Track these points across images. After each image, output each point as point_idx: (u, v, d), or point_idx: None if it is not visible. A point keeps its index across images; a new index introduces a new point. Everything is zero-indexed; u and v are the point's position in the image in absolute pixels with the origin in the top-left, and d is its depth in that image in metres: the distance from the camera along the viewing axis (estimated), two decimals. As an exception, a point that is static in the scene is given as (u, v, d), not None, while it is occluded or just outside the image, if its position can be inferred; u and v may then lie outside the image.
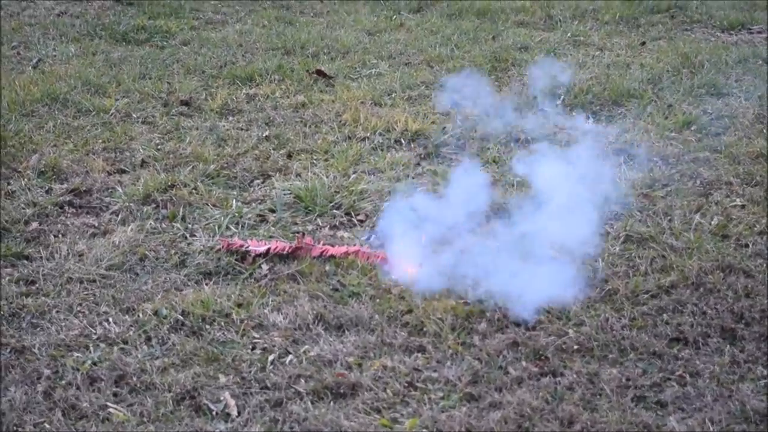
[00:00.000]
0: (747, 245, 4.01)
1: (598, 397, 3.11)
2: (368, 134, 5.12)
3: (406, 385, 3.18)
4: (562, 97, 5.62)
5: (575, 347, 3.35)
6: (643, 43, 6.88)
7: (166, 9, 7.64)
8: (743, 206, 4.35)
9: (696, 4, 7.84)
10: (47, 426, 2.96)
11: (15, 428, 2.95)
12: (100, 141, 5.00)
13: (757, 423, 2.99)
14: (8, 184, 4.52)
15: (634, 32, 7.21)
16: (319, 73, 6.07)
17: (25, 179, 4.56)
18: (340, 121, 5.32)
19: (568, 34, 7.11)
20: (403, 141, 5.06)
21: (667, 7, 7.80)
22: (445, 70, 6.25)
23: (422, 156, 4.92)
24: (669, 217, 4.23)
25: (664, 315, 3.53)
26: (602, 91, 5.75)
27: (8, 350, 3.32)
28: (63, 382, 3.16)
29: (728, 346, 3.37)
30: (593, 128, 5.23)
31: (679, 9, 7.77)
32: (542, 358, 3.31)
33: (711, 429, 2.96)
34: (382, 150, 4.95)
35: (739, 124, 5.27)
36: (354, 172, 4.66)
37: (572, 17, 7.60)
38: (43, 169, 4.66)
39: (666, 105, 5.56)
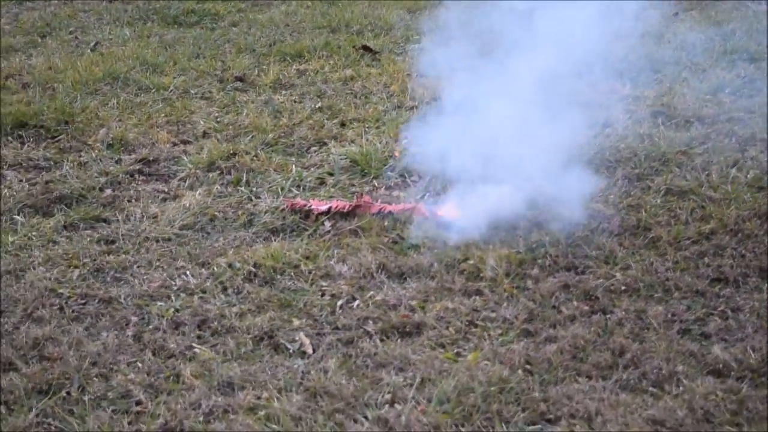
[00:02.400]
0: (782, 195, 4.24)
1: (646, 330, 3.35)
2: (416, 103, 5.37)
3: (467, 323, 3.43)
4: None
5: (623, 288, 3.59)
6: (676, 14, 7.09)
7: (213, -7, 7.93)
8: (778, 160, 4.57)
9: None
10: (139, 365, 3.23)
11: (111, 366, 3.22)
12: (162, 115, 5.28)
13: (796, 350, 3.22)
14: (79, 155, 4.81)
15: (666, 4, 7.41)
16: (365, 48, 6.33)
17: (96, 151, 4.84)
18: (389, 92, 5.58)
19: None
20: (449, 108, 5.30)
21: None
22: (484, 44, 6.46)
23: (466, 122, 5.15)
24: (707, 172, 4.45)
25: (705, 258, 3.76)
26: (638, 59, 5.96)
27: (96, 300, 3.60)
28: (150, 327, 3.44)
29: (767, 284, 3.60)
30: (631, 93, 5.45)
31: (710, -19, 7.97)
32: (592, 298, 3.55)
33: (752, 355, 3.19)
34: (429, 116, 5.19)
35: (772, 85, 5.48)
36: (405, 138, 4.91)
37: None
38: (111, 142, 4.94)
39: (701, 70, 5.77)
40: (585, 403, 2.99)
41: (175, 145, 4.93)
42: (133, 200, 4.37)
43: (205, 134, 5.05)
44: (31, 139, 4.98)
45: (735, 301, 3.51)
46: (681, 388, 3.06)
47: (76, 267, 3.81)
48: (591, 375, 3.13)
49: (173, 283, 3.71)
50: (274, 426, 2.94)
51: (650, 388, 3.07)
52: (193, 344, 3.34)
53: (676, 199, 4.23)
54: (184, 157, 4.76)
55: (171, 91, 5.65)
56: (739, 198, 4.19)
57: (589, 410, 2.96)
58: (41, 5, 7.65)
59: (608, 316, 3.44)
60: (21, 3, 7.71)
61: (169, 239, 4.02)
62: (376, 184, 4.50)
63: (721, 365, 3.15)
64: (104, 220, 4.20)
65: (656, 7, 7.14)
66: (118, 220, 4.18)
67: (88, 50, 6.43)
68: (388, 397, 3.04)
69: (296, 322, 3.46)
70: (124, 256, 3.90)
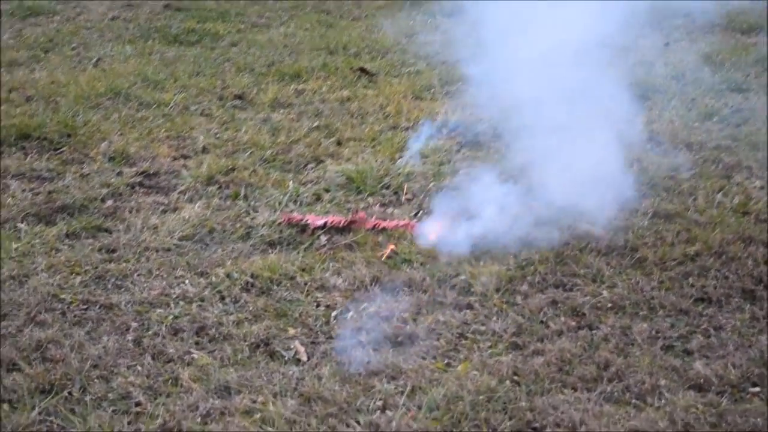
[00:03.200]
0: (766, 221, 4.35)
1: (631, 346, 3.46)
2: (411, 124, 5.50)
3: (457, 336, 3.54)
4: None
5: (609, 305, 3.71)
6: (667, 44, 7.23)
7: (213, 13, 8.06)
8: (762, 187, 4.70)
9: (716, 8, 8.18)
10: (139, 368, 3.33)
11: (111, 368, 3.32)
12: (163, 130, 5.39)
13: (774, 368, 3.34)
14: (82, 167, 4.91)
15: (657, 34, 7.55)
16: (362, 70, 6.46)
17: (97, 163, 4.95)
18: (384, 113, 5.71)
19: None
20: (444, 130, 5.43)
21: (688, 11, 8.14)
22: (480, 70, 6.60)
23: (462, 143, 5.28)
24: (693, 196, 4.58)
25: (690, 279, 3.88)
26: (629, 87, 6.09)
27: (97, 306, 3.70)
28: (150, 332, 3.54)
29: (748, 305, 3.71)
30: (621, 119, 5.57)
31: (700, 13, 8.11)
32: (579, 314, 3.66)
33: (732, 371, 3.30)
34: (425, 138, 5.32)
35: (758, 115, 5.62)
36: (400, 157, 5.03)
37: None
38: (112, 155, 5.05)
39: (689, 99, 5.91)
40: (570, 413, 3.09)
41: (175, 159, 5.04)
42: (133, 211, 4.47)
43: (204, 149, 5.16)
44: (35, 151, 5.09)
45: (717, 320, 3.62)
46: (663, 401, 3.17)
47: (78, 274, 3.91)
48: (576, 387, 3.23)
49: (172, 291, 3.81)
50: (269, 429, 3.04)
51: (633, 401, 3.18)
52: (192, 350, 3.44)
53: (663, 221, 4.35)
54: (184, 171, 4.87)
55: (171, 107, 5.76)
56: (724, 222, 4.31)
57: (574, 420, 3.07)
58: (45, 21, 7.78)
59: (594, 331, 3.55)
60: (25, 19, 7.84)
61: (169, 249, 4.13)
62: (370, 201, 4.61)
63: (702, 380, 3.26)
64: (106, 230, 4.31)
65: (647, 37, 7.30)
66: (119, 230, 4.28)
67: (91, 66, 6.55)
68: (379, 403, 3.15)
69: (291, 331, 3.56)
70: (124, 264, 4.00)
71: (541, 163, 4.95)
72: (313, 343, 3.50)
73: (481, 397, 3.16)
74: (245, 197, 4.60)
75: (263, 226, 4.32)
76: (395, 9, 8.42)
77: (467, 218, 4.27)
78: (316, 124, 5.55)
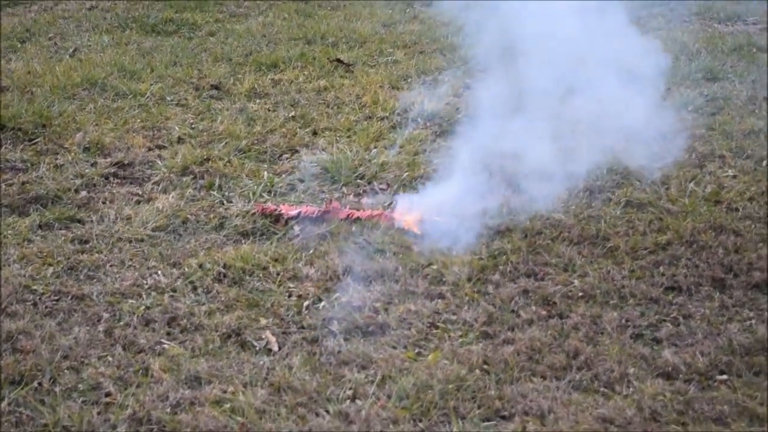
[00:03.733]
0: (737, 209, 4.38)
1: (600, 335, 3.48)
2: (387, 114, 5.50)
3: (428, 325, 3.55)
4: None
5: (580, 294, 3.73)
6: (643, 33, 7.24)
7: (192, 3, 8.04)
8: (734, 176, 4.72)
9: (695, -3, 8.22)
10: (110, 359, 3.34)
11: (81, 359, 3.32)
12: (139, 121, 5.39)
13: (742, 355, 3.35)
14: (56, 158, 4.90)
15: (634, 23, 7.56)
16: (339, 61, 6.46)
17: (72, 154, 4.94)
18: (361, 103, 5.71)
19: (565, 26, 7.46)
20: (419, 120, 5.44)
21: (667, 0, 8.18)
22: (457, 58, 6.62)
23: (438, 133, 5.29)
24: (666, 186, 4.60)
25: (661, 267, 3.90)
26: (603, 75, 6.10)
27: (69, 297, 3.70)
28: (121, 323, 3.55)
29: (718, 293, 3.73)
30: (596, 107, 5.59)
31: (678, 2, 8.13)
32: (550, 303, 3.68)
33: (701, 360, 3.32)
34: (400, 128, 5.33)
35: (733, 104, 5.64)
36: (375, 147, 5.04)
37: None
38: (87, 146, 5.04)
39: (665, 88, 5.92)
40: (538, 401, 3.12)
41: (150, 149, 5.04)
42: (107, 202, 4.47)
43: (179, 140, 5.16)
44: (9, 141, 5.07)
45: (687, 309, 3.64)
46: (631, 389, 3.19)
47: (50, 265, 3.91)
48: (545, 375, 3.25)
49: (145, 282, 3.81)
50: (238, 418, 3.05)
51: (602, 389, 3.20)
52: (163, 340, 3.45)
53: (635, 210, 4.37)
54: (159, 162, 4.87)
55: (147, 97, 5.75)
56: (695, 211, 4.33)
57: (542, 408, 3.09)
58: (22, 11, 7.75)
59: (565, 320, 3.57)
60: (2, 9, 7.81)
61: (142, 240, 4.13)
62: (345, 191, 4.61)
63: (670, 368, 3.28)
64: (79, 221, 4.30)
65: (625, 26, 7.32)
66: (92, 221, 4.28)
67: (67, 56, 6.53)
68: (349, 392, 3.17)
69: (263, 321, 3.57)
70: (97, 255, 4.00)
71: (516, 152, 4.99)
72: (284, 333, 3.51)
73: (450, 386, 3.17)
74: (219, 188, 4.61)
75: (237, 216, 4.32)
76: (374, -2, 8.43)
77: (438, 208, 4.28)
78: (292, 114, 5.55)
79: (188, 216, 4.32)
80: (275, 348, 3.43)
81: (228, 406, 3.10)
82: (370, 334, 3.50)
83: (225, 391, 3.16)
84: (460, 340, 3.46)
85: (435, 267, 3.91)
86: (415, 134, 5.22)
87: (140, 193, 4.57)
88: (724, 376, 3.26)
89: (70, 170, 4.76)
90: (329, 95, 5.87)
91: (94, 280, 3.83)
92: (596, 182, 4.62)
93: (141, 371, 3.27)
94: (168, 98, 5.78)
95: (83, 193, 4.54)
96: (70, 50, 6.67)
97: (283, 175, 4.75)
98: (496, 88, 5.70)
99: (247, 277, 3.85)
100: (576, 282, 3.80)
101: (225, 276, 3.86)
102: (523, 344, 3.40)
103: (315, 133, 5.28)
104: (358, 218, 4.28)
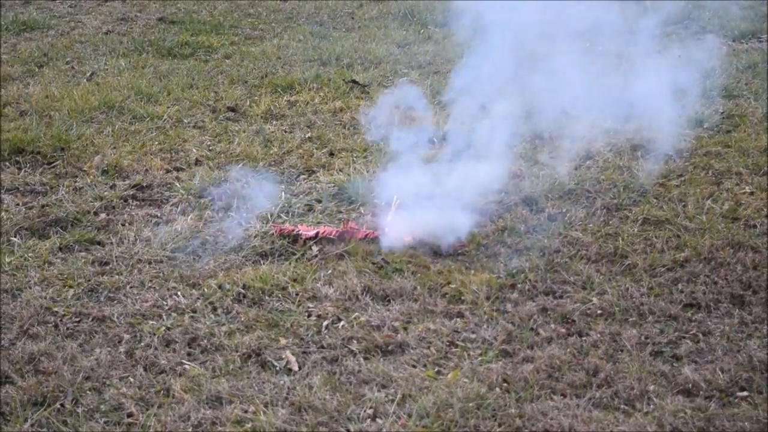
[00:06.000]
0: (755, 226, 4.38)
1: (620, 352, 3.48)
2: (403, 134, 5.51)
3: (448, 343, 3.56)
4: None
5: (599, 312, 3.73)
6: (658, 51, 7.25)
7: (207, 26, 8.09)
8: (752, 193, 4.72)
9: (708, 15, 8.21)
10: (131, 379, 3.36)
11: (103, 380, 3.34)
12: (156, 143, 5.42)
13: (762, 371, 3.35)
14: (75, 181, 4.94)
15: (650, 43, 7.57)
16: (354, 82, 6.48)
17: (91, 177, 4.97)
18: (377, 123, 5.72)
19: (587, 45, 7.47)
20: (435, 140, 5.45)
21: (681, 18, 8.17)
22: (472, 79, 6.62)
23: (454, 153, 5.30)
24: (683, 203, 4.60)
25: (679, 285, 3.91)
26: (620, 94, 6.11)
27: (90, 319, 3.72)
28: (142, 344, 3.56)
29: (737, 310, 3.74)
30: (612, 126, 5.61)
31: (692, 20, 8.14)
32: (569, 321, 3.69)
33: (721, 376, 3.32)
34: (417, 147, 5.33)
35: (748, 122, 5.65)
36: (392, 167, 5.05)
37: (587, 28, 7.96)
38: (105, 168, 5.08)
39: (680, 105, 5.92)
40: (559, 419, 3.12)
41: (168, 171, 5.07)
42: (126, 224, 4.50)
43: (197, 162, 5.19)
44: (28, 165, 5.11)
45: (706, 325, 3.64)
46: (651, 406, 3.19)
47: (70, 287, 3.94)
48: (566, 393, 3.26)
49: (165, 303, 3.83)
50: (260, 438, 3.06)
51: (622, 406, 3.20)
52: (183, 361, 3.46)
53: (653, 228, 4.38)
54: (177, 184, 4.89)
55: (165, 120, 5.79)
56: (713, 228, 4.33)
57: (563, 426, 3.09)
58: (39, 36, 7.81)
59: (584, 338, 3.57)
60: (19, 33, 7.87)
61: (161, 261, 4.15)
62: (362, 211, 4.63)
63: (690, 385, 3.29)
64: (98, 243, 4.33)
65: (640, 45, 7.34)
66: (111, 243, 4.31)
67: (85, 80, 6.57)
68: (370, 411, 3.18)
69: (283, 341, 3.59)
70: (117, 277, 4.03)
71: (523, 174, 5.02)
72: (304, 352, 3.52)
73: (470, 405, 3.18)
74: (237, 209, 4.63)
75: (255, 237, 4.34)
76: (389, 19, 8.45)
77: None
78: (308, 135, 5.58)
79: (207, 237, 4.34)
80: (295, 368, 3.44)
81: (249, 426, 3.11)
82: (390, 353, 3.51)
83: (246, 411, 3.17)
84: (480, 358, 3.47)
85: (453, 286, 3.92)
86: (431, 154, 5.23)
87: (159, 214, 4.60)
88: (745, 393, 3.26)
89: (89, 193, 4.79)
90: (345, 116, 5.90)
91: (115, 302, 3.85)
92: (613, 200, 4.63)
93: (162, 392, 3.28)
94: (185, 121, 5.81)
95: (102, 216, 4.57)
96: (88, 74, 6.72)
97: (301, 196, 4.77)
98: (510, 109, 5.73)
99: (267, 298, 3.86)
100: (595, 299, 3.81)
101: (244, 296, 3.87)
102: (543, 362, 3.41)
103: (331, 154, 5.31)
104: (376, 238, 4.29)
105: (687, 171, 4.98)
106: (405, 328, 3.65)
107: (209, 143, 5.46)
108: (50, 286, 3.94)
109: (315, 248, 4.24)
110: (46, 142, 5.32)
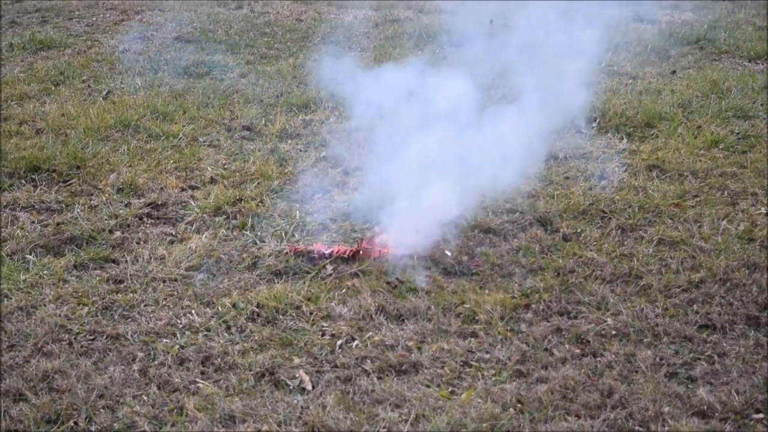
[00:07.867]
0: (770, 247, 4.37)
1: (635, 373, 3.47)
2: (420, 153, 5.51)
3: (462, 363, 3.55)
4: (597, 120, 6.00)
5: (613, 332, 3.72)
6: (674, 72, 7.26)
7: (223, 45, 8.12)
8: (767, 214, 4.70)
9: (724, 36, 8.21)
10: (145, 398, 3.36)
11: (117, 399, 3.34)
12: (171, 161, 5.43)
13: (778, 394, 3.34)
14: (90, 199, 4.95)
15: (664, 62, 7.58)
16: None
17: (106, 195, 4.99)
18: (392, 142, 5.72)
19: (603, 64, 7.48)
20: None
21: (696, 39, 8.18)
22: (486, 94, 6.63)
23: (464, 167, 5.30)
24: (698, 224, 4.59)
25: (694, 306, 3.89)
26: (635, 115, 6.12)
27: (104, 337, 3.73)
28: (156, 362, 3.57)
29: (753, 331, 3.72)
30: (627, 147, 5.60)
31: (707, 41, 8.14)
32: (583, 341, 3.68)
33: (736, 398, 3.30)
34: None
35: (764, 142, 5.63)
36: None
37: (606, 49, 7.97)
38: (121, 186, 5.09)
39: (695, 126, 5.92)
40: (573, 440, 3.11)
41: (183, 190, 5.08)
42: (141, 242, 4.51)
43: (212, 180, 5.20)
44: (44, 183, 5.13)
45: (722, 347, 3.63)
46: (666, 427, 3.18)
47: (85, 305, 3.95)
48: (580, 414, 3.25)
49: (179, 321, 3.84)
50: (273, 457, 3.06)
51: (636, 428, 3.19)
52: (197, 379, 3.47)
53: (668, 249, 4.36)
54: (192, 202, 4.90)
55: (180, 138, 5.81)
56: (728, 249, 4.32)
57: (577, 447, 3.08)
58: (56, 54, 7.85)
59: (598, 359, 3.56)
60: (36, 52, 7.91)
61: (176, 280, 4.16)
62: (377, 230, 4.63)
63: (705, 407, 3.27)
64: (113, 261, 4.34)
65: (655, 65, 7.33)
66: (126, 261, 4.32)
67: (101, 98, 6.60)
68: (383, 431, 3.16)
69: (297, 360, 3.58)
70: (131, 295, 4.04)
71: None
72: (317, 372, 3.52)
73: (484, 425, 3.17)
74: (252, 227, 4.63)
75: (270, 256, 4.35)
76: (404, 39, 8.46)
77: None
78: (323, 154, 5.59)
79: (221, 256, 4.35)
80: (309, 387, 3.44)
81: (263, 445, 3.11)
82: (404, 372, 3.50)
83: (259, 430, 3.17)
84: (494, 378, 3.46)
85: (467, 305, 3.91)
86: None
87: (174, 233, 4.61)
88: (760, 415, 3.24)
89: (105, 211, 4.80)
90: (360, 135, 5.90)
91: (129, 320, 3.86)
92: (628, 220, 4.62)
93: (176, 410, 3.28)
94: (200, 139, 5.83)
95: (117, 234, 4.58)
96: (104, 93, 6.75)
97: (315, 215, 4.77)
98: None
99: (281, 317, 3.86)
100: (609, 320, 3.80)
101: (258, 315, 3.87)
102: (557, 383, 3.40)
103: (346, 173, 5.31)
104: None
105: (702, 192, 4.96)
106: (419, 348, 3.64)
107: (224, 162, 5.47)
108: (65, 303, 3.95)
109: (329, 267, 4.24)
110: (62, 160, 5.35)
